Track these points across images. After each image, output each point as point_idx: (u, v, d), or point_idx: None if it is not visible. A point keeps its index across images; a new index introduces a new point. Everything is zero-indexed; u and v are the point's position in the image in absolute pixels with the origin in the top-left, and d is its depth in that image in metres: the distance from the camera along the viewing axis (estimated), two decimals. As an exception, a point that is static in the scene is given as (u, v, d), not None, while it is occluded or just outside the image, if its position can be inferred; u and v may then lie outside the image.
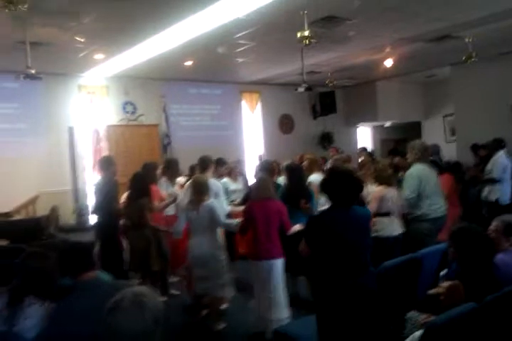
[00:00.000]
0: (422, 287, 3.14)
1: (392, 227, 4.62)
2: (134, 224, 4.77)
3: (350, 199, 2.67)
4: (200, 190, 4.34)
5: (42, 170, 8.43)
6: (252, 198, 4.31)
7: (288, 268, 4.30)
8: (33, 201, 8.16)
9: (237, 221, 4.43)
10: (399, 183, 4.94)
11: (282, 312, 3.97)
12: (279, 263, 4.03)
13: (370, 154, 9.02)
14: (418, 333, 2.36)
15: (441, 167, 6.04)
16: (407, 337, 2.58)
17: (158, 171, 5.87)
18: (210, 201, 4.38)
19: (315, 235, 2.56)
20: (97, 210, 5.50)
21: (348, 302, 2.51)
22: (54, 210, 7.91)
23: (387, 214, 4.63)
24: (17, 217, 7.50)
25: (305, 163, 5.88)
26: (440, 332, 2.07)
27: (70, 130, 8.89)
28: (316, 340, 2.77)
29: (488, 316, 2.20)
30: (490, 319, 2.21)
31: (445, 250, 3.33)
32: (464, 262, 2.59)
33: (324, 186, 2.70)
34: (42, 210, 7.87)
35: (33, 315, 2.32)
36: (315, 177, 5.29)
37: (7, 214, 7.39)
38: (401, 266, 3.03)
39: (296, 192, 4.68)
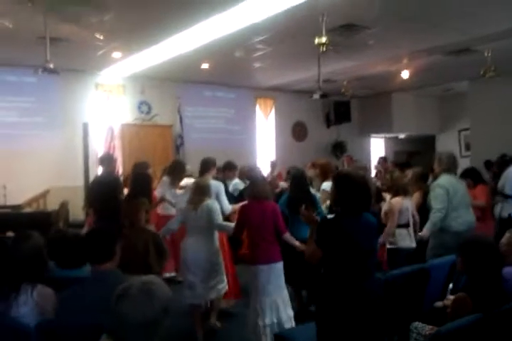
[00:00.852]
0: (429, 298, 3.09)
1: (411, 239, 4.59)
2: (131, 222, 4.69)
3: (363, 206, 2.63)
4: (201, 192, 4.29)
5: (55, 165, 8.50)
6: (247, 198, 4.21)
7: (290, 282, 4.24)
8: (44, 195, 8.23)
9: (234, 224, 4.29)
10: None
11: (287, 312, 3.88)
12: (278, 267, 3.91)
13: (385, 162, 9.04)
14: (422, 344, 2.33)
15: (477, 177, 5.97)
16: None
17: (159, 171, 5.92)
18: (211, 201, 4.31)
19: (328, 238, 2.53)
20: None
21: (353, 306, 2.48)
22: (64, 205, 7.94)
23: (406, 225, 4.57)
24: (27, 210, 7.55)
25: (317, 170, 5.81)
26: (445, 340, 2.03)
27: (85, 126, 8.92)
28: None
29: (494, 328, 2.15)
30: (496, 330, 2.16)
31: (454, 262, 3.29)
32: (472, 273, 2.54)
33: (338, 191, 2.65)
34: (52, 204, 7.92)
35: (27, 302, 2.32)
36: (328, 185, 5.09)
37: (18, 207, 7.45)
38: (409, 276, 2.99)
39: (298, 197, 4.56)
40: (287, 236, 4.04)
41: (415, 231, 4.68)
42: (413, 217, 4.76)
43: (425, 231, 4.45)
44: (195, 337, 4.16)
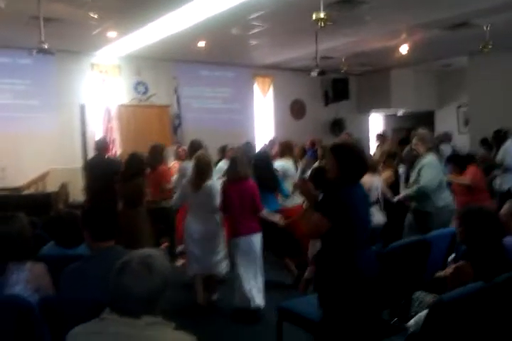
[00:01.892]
0: (430, 270, 3.13)
1: (379, 217, 4.68)
2: (128, 202, 4.69)
3: (360, 174, 2.66)
4: (202, 171, 4.30)
5: (53, 147, 8.48)
6: (227, 179, 4.37)
7: (274, 251, 4.59)
8: (43, 177, 8.22)
9: None
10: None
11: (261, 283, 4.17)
12: (257, 237, 4.20)
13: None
14: (424, 312, 2.36)
15: (466, 159, 5.91)
16: (414, 316, 2.59)
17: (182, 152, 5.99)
18: (212, 181, 4.34)
19: (335, 209, 2.55)
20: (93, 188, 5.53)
21: (360, 274, 2.51)
22: (63, 187, 7.95)
23: (375, 202, 4.65)
24: (27, 192, 7.56)
25: (319, 152, 5.90)
26: (446, 309, 2.06)
27: (82, 108, 8.91)
28: (319, 316, 2.78)
29: (496, 296, 2.19)
30: (497, 299, 2.20)
31: (455, 233, 3.32)
32: (472, 243, 2.57)
33: (338, 161, 2.67)
34: (52, 187, 7.92)
35: (19, 280, 2.33)
36: (279, 164, 5.51)
37: (18, 189, 7.46)
38: (410, 247, 3.02)
39: (260, 176, 4.73)
40: (264, 213, 4.30)
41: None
42: (384, 194, 4.92)
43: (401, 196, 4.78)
44: (194, 308, 4.31)
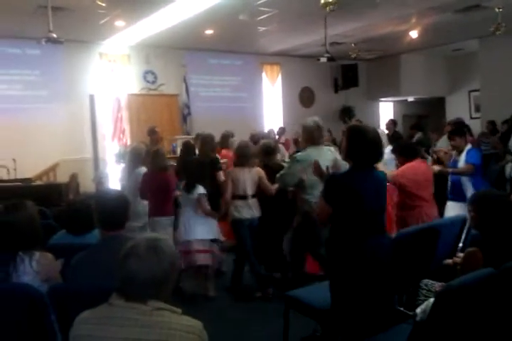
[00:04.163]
0: (439, 257, 3.11)
1: (249, 210, 4.43)
2: None
3: (370, 160, 2.63)
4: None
5: (63, 138, 8.53)
6: (149, 169, 4.68)
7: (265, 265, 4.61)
8: (53, 168, 8.28)
9: None
10: None
11: None
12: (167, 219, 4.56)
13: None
14: (432, 300, 2.35)
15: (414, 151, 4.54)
16: (421, 303, 2.57)
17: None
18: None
19: (336, 194, 2.53)
20: None
21: (368, 261, 2.50)
22: (74, 177, 7.99)
23: (243, 197, 4.40)
24: (38, 183, 7.61)
25: None
26: (454, 296, 2.04)
27: (91, 98, 8.92)
28: (328, 305, 2.78)
29: (505, 282, 2.16)
30: (507, 285, 2.17)
31: (464, 221, 3.29)
32: (485, 229, 2.54)
33: (350, 145, 2.64)
34: (62, 177, 7.96)
35: (26, 271, 2.33)
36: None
37: (28, 180, 7.51)
38: (418, 234, 2.99)
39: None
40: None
41: None
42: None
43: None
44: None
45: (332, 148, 4.34)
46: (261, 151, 4.74)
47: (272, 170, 4.44)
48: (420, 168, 4.20)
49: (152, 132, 6.92)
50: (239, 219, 4.37)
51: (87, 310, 1.64)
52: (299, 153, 4.30)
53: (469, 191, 4.54)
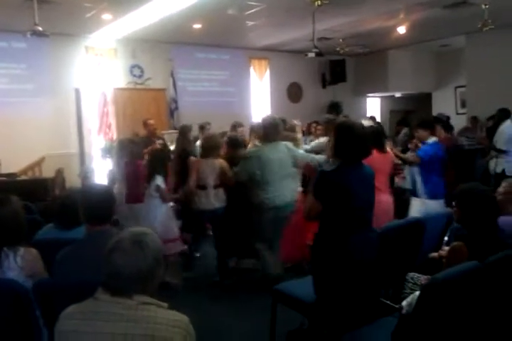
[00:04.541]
0: (424, 251, 3.14)
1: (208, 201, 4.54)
2: None
3: (361, 155, 2.64)
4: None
5: (48, 132, 8.44)
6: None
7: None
8: (39, 163, 8.19)
9: None
10: None
11: None
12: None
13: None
14: (417, 293, 2.37)
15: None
16: (406, 297, 2.60)
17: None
18: None
19: (326, 191, 2.53)
20: None
21: (355, 255, 2.52)
22: (59, 172, 7.92)
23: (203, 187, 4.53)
24: (23, 178, 7.53)
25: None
26: (440, 289, 2.06)
27: (77, 92, 8.83)
28: (313, 299, 2.79)
29: (489, 275, 2.19)
30: (491, 278, 2.20)
31: (450, 215, 3.32)
32: (468, 223, 2.56)
33: (339, 141, 2.65)
34: (48, 172, 7.88)
35: (10, 267, 2.31)
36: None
37: (14, 175, 7.42)
38: (404, 228, 3.01)
39: None
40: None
41: None
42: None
43: None
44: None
45: (290, 144, 4.38)
46: (227, 144, 4.91)
47: (235, 162, 4.59)
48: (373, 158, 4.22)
49: (145, 124, 7.00)
50: (197, 210, 4.56)
51: (72, 305, 1.63)
52: (252, 150, 4.52)
53: (419, 187, 4.62)
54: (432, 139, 4.71)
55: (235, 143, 4.88)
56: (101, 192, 2.49)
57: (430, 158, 4.54)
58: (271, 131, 4.21)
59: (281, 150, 4.18)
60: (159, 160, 4.73)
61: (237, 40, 9.79)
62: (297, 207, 4.37)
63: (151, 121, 7.01)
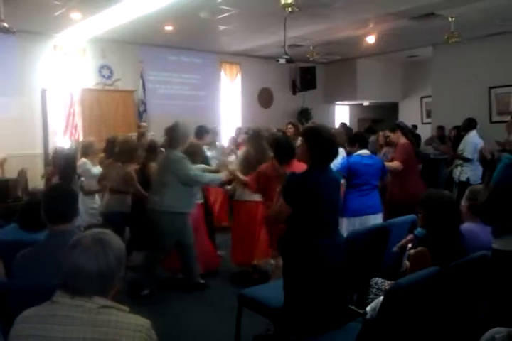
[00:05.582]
0: (388, 257, 3.18)
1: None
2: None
3: (329, 158, 2.66)
4: None
5: (11, 132, 8.17)
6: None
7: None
8: (1, 163, 7.93)
9: None
10: None
11: None
12: None
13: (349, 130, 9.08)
14: (381, 298, 2.39)
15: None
16: (371, 302, 2.62)
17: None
18: None
19: (297, 194, 2.54)
20: None
21: (322, 260, 2.52)
22: (22, 173, 7.70)
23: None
24: (-16, 178, 7.29)
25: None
26: (403, 294, 2.09)
27: (43, 92, 8.62)
28: (281, 304, 2.78)
29: (451, 280, 2.23)
30: (452, 284, 2.24)
31: (414, 221, 3.38)
32: (432, 228, 2.61)
33: (309, 146, 2.66)
34: (10, 173, 7.65)
35: None
36: None
37: (-26, 175, 7.19)
38: (369, 234, 3.05)
39: None
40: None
41: None
42: None
43: None
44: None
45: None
46: (146, 148, 5.16)
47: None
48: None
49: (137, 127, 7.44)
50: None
51: (29, 308, 1.57)
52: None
53: None
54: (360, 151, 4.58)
55: (153, 148, 5.12)
56: (60, 190, 2.43)
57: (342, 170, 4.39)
58: (175, 137, 4.40)
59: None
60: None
61: (208, 43, 9.77)
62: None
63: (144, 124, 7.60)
